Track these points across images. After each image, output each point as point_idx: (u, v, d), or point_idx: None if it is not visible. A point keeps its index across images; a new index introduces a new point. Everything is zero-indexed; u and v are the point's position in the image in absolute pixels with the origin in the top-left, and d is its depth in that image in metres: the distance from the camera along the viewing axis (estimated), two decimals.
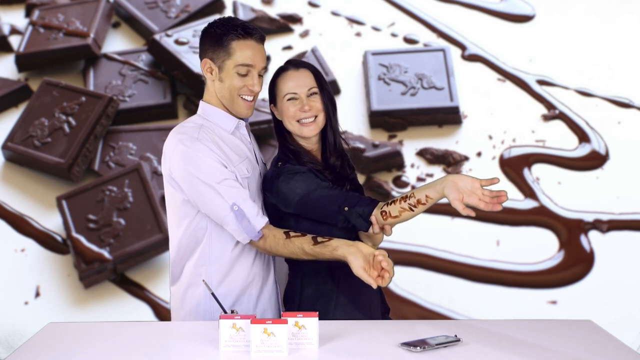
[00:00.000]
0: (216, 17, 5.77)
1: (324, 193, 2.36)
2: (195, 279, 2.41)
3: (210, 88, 2.44)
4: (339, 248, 2.23)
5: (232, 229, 2.33)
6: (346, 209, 2.34)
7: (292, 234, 2.31)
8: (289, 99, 2.44)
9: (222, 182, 2.31)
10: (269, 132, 4.78)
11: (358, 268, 2.16)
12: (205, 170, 2.31)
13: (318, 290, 2.44)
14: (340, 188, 2.42)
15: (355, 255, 2.18)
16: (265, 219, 2.34)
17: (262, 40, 2.41)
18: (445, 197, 2.21)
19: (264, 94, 2.51)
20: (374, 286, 2.14)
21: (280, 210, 2.43)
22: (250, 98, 2.40)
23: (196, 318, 2.41)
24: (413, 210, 2.29)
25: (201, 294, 2.40)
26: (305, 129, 2.44)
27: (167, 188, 2.43)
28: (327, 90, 2.49)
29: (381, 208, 2.33)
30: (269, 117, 4.79)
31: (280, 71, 2.50)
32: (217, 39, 2.38)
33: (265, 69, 2.44)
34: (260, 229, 2.33)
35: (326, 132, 2.50)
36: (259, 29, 2.43)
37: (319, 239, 2.27)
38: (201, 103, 2.46)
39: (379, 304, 2.53)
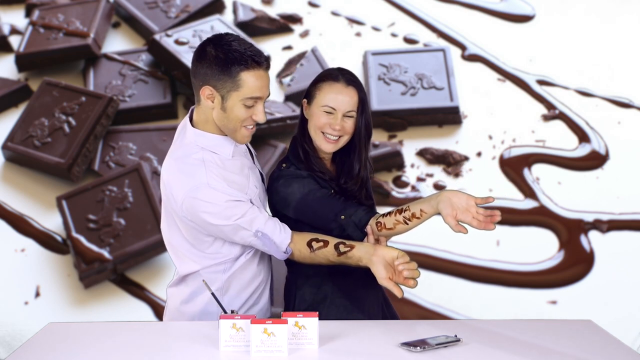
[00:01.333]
0: (216, 17, 5.73)
1: (322, 199, 2.36)
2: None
3: (207, 114, 2.31)
4: (363, 259, 2.23)
5: (258, 248, 2.35)
6: (342, 217, 2.33)
7: (314, 245, 2.31)
8: (325, 111, 2.40)
9: (241, 217, 2.27)
10: (269, 132, 4.78)
11: (382, 280, 2.15)
12: (224, 214, 2.26)
13: (311, 292, 2.44)
14: (339, 197, 2.40)
15: (377, 266, 2.17)
16: (288, 233, 2.33)
17: (269, 67, 2.30)
18: (439, 212, 2.18)
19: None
20: (399, 296, 2.13)
21: (278, 211, 2.43)
22: (251, 126, 2.32)
23: (207, 319, 2.39)
24: (407, 224, 2.27)
25: (210, 295, 2.40)
26: (325, 144, 2.41)
27: (173, 218, 2.37)
28: (366, 116, 2.43)
29: (377, 219, 2.32)
30: (269, 117, 4.82)
31: (330, 78, 2.42)
32: (223, 67, 2.23)
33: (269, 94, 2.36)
34: (286, 247, 2.32)
35: (350, 153, 2.46)
36: (263, 52, 2.32)
37: (342, 249, 2.27)
38: (192, 130, 2.33)
39: (379, 311, 2.51)
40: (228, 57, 2.23)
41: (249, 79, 2.24)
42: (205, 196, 2.24)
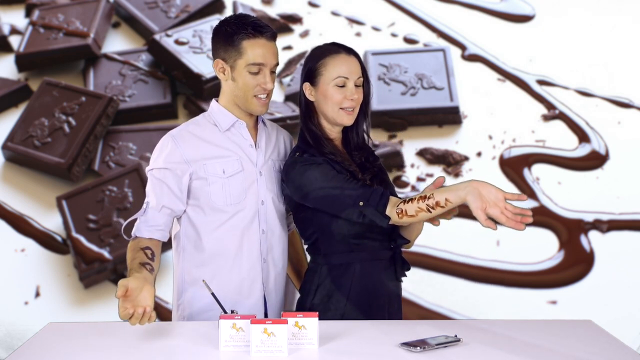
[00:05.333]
0: (216, 17, 5.75)
1: (339, 186, 2.29)
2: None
3: (224, 87, 2.43)
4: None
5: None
6: (361, 203, 2.26)
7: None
8: (337, 84, 2.38)
9: (153, 171, 2.37)
10: None
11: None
12: (152, 157, 2.40)
13: (331, 283, 2.41)
14: (357, 180, 2.34)
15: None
16: (143, 235, 2.32)
17: (273, 38, 2.39)
18: (467, 203, 2.08)
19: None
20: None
21: (296, 201, 2.40)
22: (264, 96, 2.39)
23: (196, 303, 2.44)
24: (430, 212, 2.16)
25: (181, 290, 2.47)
26: (347, 118, 2.39)
27: None
28: (368, 84, 2.45)
29: (397, 205, 2.23)
30: (268, 117, 4.82)
31: (330, 52, 2.42)
32: (228, 39, 2.37)
33: (277, 64, 2.42)
34: (134, 234, 2.33)
35: (356, 123, 2.46)
36: (269, 26, 2.41)
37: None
38: (212, 101, 2.49)
39: (397, 312, 2.47)
40: (233, 29, 2.37)
41: (250, 46, 2.35)
42: (161, 141, 2.41)
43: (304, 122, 2.45)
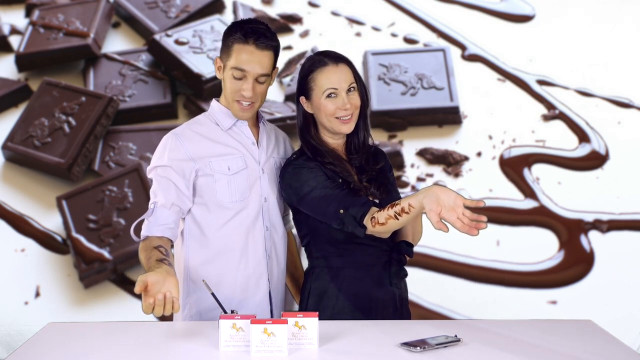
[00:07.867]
0: (216, 17, 5.74)
1: (326, 192, 2.31)
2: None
3: (223, 86, 2.47)
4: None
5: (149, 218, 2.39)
6: (341, 211, 2.27)
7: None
8: (328, 96, 2.37)
9: (157, 169, 2.37)
10: None
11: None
12: (154, 156, 2.41)
13: (325, 281, 2.41)
14: (344, 187, 2.34)
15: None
16: (148, 235, 2.34)
17: (266, 48, 2.36)
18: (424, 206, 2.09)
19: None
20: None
21: (293, 207, 2.41)
22: (245, 103, 2.38)
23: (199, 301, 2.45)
24: (398, 219, 2.17)
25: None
26: (345, 126, 2.39)
27: None
28: (363, 85, 2.44)
29: (373, 214, 2.24)
30: (268, 117, 4.82)
31: (318, 65, 2.41)
32: (225, 39, 2.40)
33: (268, 76, 2.39)
34: (144, 235, 2.34)
35: (356, 128, 2.45)
36: (271, 37, 2.38)
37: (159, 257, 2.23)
38: (212, 101, 2.50)
39: (394, 316, 2.46)
40: (231, 30, 2.38)
41: (237, 50, 2.35)
42: (163, 140, 2.41)
43: (301, 135, 2.45)
